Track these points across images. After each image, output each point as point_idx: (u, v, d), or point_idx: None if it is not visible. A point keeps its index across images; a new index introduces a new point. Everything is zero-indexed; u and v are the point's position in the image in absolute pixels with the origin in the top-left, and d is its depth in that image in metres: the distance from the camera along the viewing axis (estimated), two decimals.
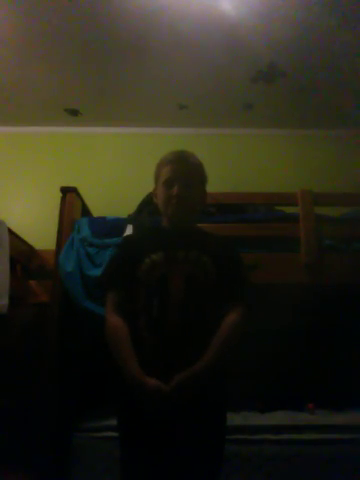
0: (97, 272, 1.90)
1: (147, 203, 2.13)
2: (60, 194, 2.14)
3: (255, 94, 2.93)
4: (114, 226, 2.04)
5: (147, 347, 1.17)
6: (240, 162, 3.25)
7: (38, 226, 2.84)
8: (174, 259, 1.23)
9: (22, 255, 2.45)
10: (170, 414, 1.09)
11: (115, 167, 3.25)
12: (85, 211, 2.31)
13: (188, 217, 1.35)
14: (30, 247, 2.59)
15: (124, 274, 1.27)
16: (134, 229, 1.96)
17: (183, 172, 1.32)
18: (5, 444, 1.94)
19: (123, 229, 1.98)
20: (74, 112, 3.17)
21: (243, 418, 1.92)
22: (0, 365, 2.11)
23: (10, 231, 2.19)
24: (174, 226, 1.34)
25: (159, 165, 1.39)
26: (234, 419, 1.86)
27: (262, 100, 3.00)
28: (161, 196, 1.34)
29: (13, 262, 2.19)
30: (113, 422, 1.80)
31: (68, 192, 2.14)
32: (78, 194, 2.20)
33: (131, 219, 2.04)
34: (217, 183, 2.94)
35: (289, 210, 2.19)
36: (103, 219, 2.14)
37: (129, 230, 1.96)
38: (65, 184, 2.16)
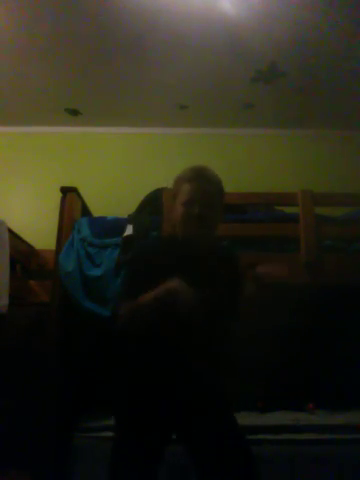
0: (97, 272, 1.90)
1: (147, 203, 2.13)
2: (60, 194, 2.14)
3: (255, 94, 2.93)
4: (114, 226, 2.04)
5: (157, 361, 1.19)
6: (240, 162, 3.25)
7: (38, 226, 2.84)
8: (189, 281, 1.17)
9: (22, 255, 2.45)
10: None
11: (115, 167, 3.25)
12: (85, 211, 2.31)
13: (207, 237, 1.30)
14: (30, 247, 2.59)
15: (137, 295, 1.22)
16: (134, 230, 1.95)
17: (204, 191, 1.26)
18: (5, 444, 1.94)
19: (123, 229, 1.98)
20: (74, 112, 3.17)
21: (243, 418, 1.92)
22: (0, 365, 2.11)
23: (10, 231, 2.18)
24: (190, 246, 1.29)
25: (178, 182, 1.32)
26: None
27: (262, 100, 3.00)
28: (179, 215, 1.27)
29: (13, 262, 2.19)
30: (113, 422, 1.82)
31: (68, 192, 2.14)
32: (78, 194, 2.20)
33: (131, 219, 2.04)
34: None
35: (289, 210, 2.19)
36: (103, 219, 2.15)
37: (129, 230, 1.96)
38: (65, 184, 2.16)
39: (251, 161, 3.26)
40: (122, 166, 3.26)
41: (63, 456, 1.76)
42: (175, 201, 1.31)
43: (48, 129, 3.33)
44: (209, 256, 1.32)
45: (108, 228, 2.04)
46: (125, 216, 2.12)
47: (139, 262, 1.32)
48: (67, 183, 2.17)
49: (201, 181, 1.27)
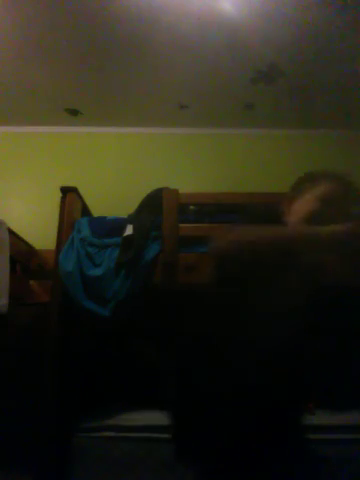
0: (97, 272, 1.90)
1: (147, 203, 2.13)
2: (60, 194, 2.14)
3: (255, 94, 2.94)
4: (114, 226, 2.04)
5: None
6: (240, 162, 3.25)
7: (38, 226, 2.84)
8: None
9: (22, 255, 2.44)
10: None
11: (115, 167, 3.26)
12: (85, 211, 2.31)
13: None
14: (30, 247, 2.59)
15: None
16: (134, 230, 1.95)
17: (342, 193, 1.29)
18: (5, 444, 1.94)
19: (123, 229, 1.98)
20: (74, 112, 3.17)
21: None
22: (0, 365, 2.11)
23: (10, 231, 2.18)
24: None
25: (316, 177, 1.36)
26: None
27: (262, 100, 3.01)
28: (310, 208, 1.30)
29: (13, 262, 2.18)
30: (113, 422, 1.82)
31: (68, 192, 2.14)
32: (78, 194, 2.20)
33: (131, 219, 2.04)
34: (217, 183, 2.97)
35: None
36: (103, 219, 2.15)
37: (129, 230, 1.96)
38: (65, 184, 2.16)
39: (251, 161, 3.26)
40: (122, 166, 3.26)
41: (63, 456, 1.76)
42: (302, 194, 1.34)
43: (48, 129, 3.33)
44: None
45: (108, 228, 2.04)
46: (125, 216, 2.12)
47: None
48: (67, 183, 2.17)
49: (342, 183, 1.29)
